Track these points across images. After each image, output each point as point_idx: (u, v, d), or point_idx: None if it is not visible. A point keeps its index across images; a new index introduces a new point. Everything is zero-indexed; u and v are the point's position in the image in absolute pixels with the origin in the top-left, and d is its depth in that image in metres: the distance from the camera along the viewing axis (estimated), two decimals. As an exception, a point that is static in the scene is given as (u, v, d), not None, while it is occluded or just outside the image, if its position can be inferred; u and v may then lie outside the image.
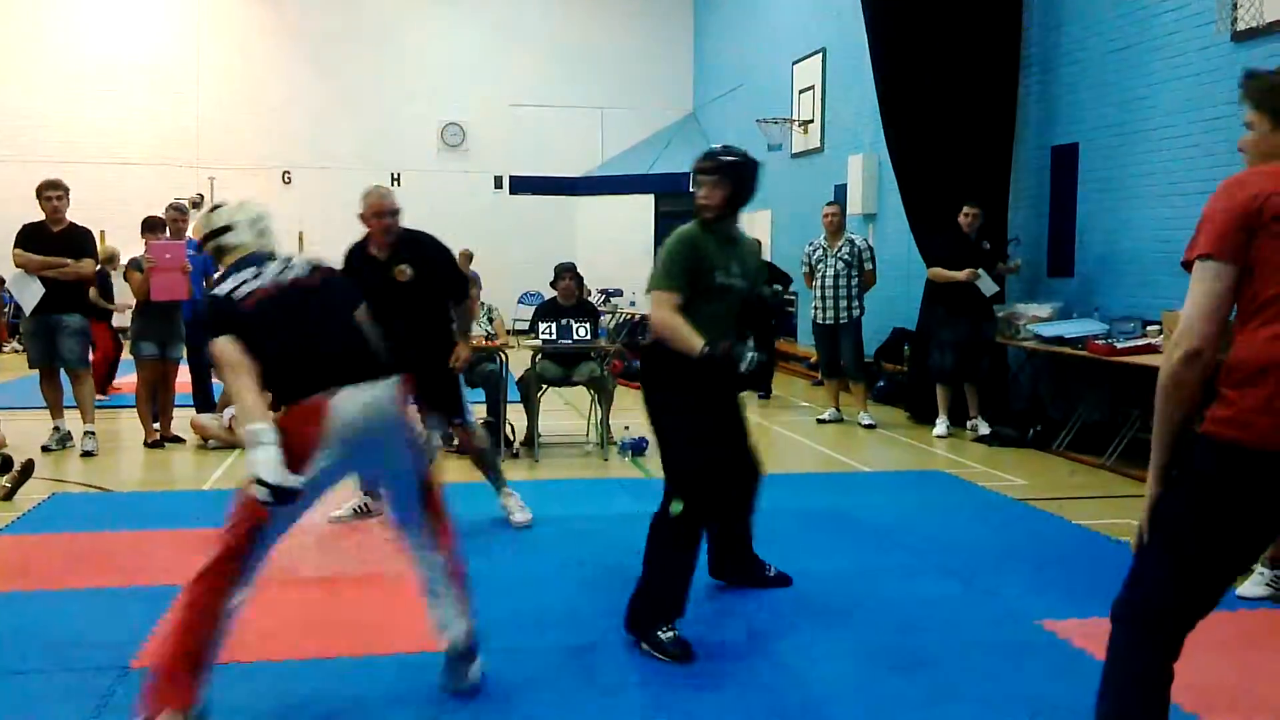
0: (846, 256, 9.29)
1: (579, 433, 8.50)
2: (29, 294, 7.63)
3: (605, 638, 4.10)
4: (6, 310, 15.06)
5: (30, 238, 7.63)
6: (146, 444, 8.01)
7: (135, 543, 5.36)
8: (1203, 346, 2.33)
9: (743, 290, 4.17)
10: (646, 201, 18.62)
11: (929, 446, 8.49)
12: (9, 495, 6.29)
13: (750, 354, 3.87)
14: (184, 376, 8.41)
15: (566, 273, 8.36)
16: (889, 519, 6.03)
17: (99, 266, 8.44)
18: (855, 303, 9.31)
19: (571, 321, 7.85)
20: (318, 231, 17.58)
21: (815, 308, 9.49)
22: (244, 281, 3.43)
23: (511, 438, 7.98)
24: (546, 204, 19.15)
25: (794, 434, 9.12)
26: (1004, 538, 5.66)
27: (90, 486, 6.80)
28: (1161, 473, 2.47)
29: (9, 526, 5.71)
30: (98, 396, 8.76)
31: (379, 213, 5.52)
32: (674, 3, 20.08)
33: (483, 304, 8.40)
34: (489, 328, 8.27)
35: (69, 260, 7.62)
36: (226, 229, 3.65)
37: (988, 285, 8.57)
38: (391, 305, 4.92)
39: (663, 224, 18.87)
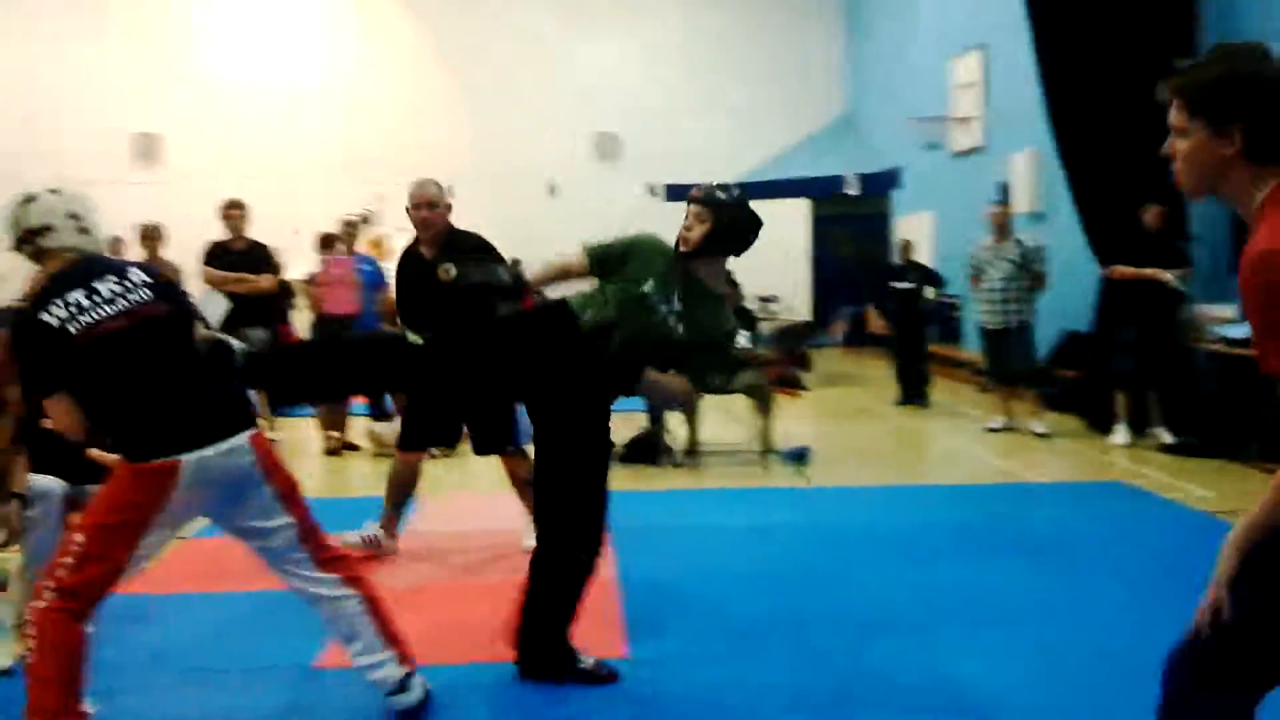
0: (1015, 258, 8.97)
1: (739, 442, 8.45)
2: (215, 309, 8.05)
3: (764, 642, 4.05)
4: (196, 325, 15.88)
5: (214, 254, 8.05)
6: (326, 452, 8.33)
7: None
8: None
9: (669, 331, 3.62)
10: (801, 205, 18.43)
11: (1107, 456, 8.12)
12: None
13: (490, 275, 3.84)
14: (357, 386, 8.72)
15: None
16: (1063, 533, 5.79)
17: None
18: (1025, 306, 8.99)
19: (731, 329, 7.81)
20: (479, 243, 18.06)
21: (983, 311, 9.21)
22: (77, 309, 3.01)
23: (672, 446, 8.00)
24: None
25: (961, 443, 8.87)
26: (1188, 554, 5.31)
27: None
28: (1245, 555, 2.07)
29: (205, 530, 5.99)
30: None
31: (417, 204, 5.23)
32: (824, 3, 19.84)
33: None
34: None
35: (250, 275, 8.00)
36: (45, 229, 3.16)
37: (1178, 284, 8.15)
38: (439, 310, 4.68)
39: (819, 227, 18.67)
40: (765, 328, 14.09)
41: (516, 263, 4.28)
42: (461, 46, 19.17)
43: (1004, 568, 5.14)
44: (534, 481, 3.82)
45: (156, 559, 3.37)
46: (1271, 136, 1.99)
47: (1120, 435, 8.44)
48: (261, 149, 18.49)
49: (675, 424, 8.06)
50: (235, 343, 3.46)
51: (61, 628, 3.03)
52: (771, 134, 19.24)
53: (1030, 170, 11.71)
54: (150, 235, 8.27)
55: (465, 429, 5.53)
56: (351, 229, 8.85)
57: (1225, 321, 7.93)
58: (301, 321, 9.53)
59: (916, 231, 14.56)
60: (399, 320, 5.63)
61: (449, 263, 4.73)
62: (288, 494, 3.29)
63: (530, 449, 4.01)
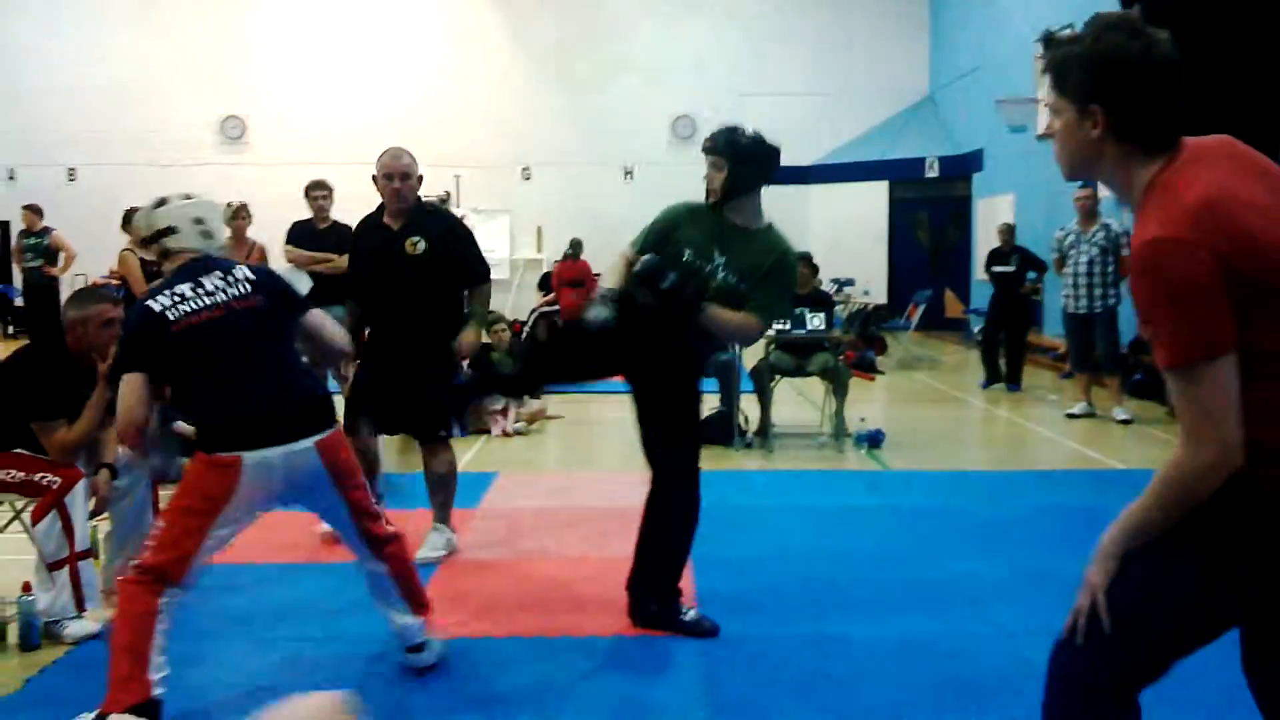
0: (1102, 242, 8.78)
1: (813, 424, 8.41)
2: (299, 287, 8.19)
3: (835, 621, 4.04)
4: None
5: (299, 235, 8.20)
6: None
7: (400, 521, 5.62)
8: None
9: (720, 282, 3.82)
10: (880, 188, 18.23)
11: (1191, 444, 7.92)
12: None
13: (601, 314, 3.80)
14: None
15: (801, 261, 8.28)
16: (1149, 520, 5.66)
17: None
18: (1111, 291, 8.79)
19: (806, 311, 7.77)
20: (554, 225, 18.17)
21: (1066, 296, 9.03)
22: (180, 299, 3.28)
23: (745, 428, 7.98)
24: (778, 193, 18.79)
25: (1042, 429, 8.73)
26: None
27: (352, 467, 7.24)
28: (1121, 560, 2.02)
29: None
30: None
31: (390, 174, 5.02)
32: (909, -17, 19.55)
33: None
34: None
35: (333, 256, 8.14)
36: (170, 230, 3.43)
37: None
38: (399, 280, 4.89)
39: (898, 210, 18.45)
40: (841, 310, 14.00)
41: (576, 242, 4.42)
42: (539, 30, 19.25)
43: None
44: (658, 441, 4.03)
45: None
46: (1135, 118, 1.88)
47: (1206, 423, 8.23)
48: (345, 131, 18.78)
49: (748, 405, 8.04)
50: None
51: (137, 599, 3.21)
52: (852, 116, 19.03)
53: (1117, 152, 11.42)
54: (238, 214, 8.43)
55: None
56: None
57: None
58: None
59: (999, 215, 14.31)
60: (344, 291, 5.55)
61: (418, 236, 4.90)
62: (351, 489, 3.49)
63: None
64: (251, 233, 8.53)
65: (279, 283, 3.56)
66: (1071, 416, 9.03)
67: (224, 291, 3.33)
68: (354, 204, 10.97)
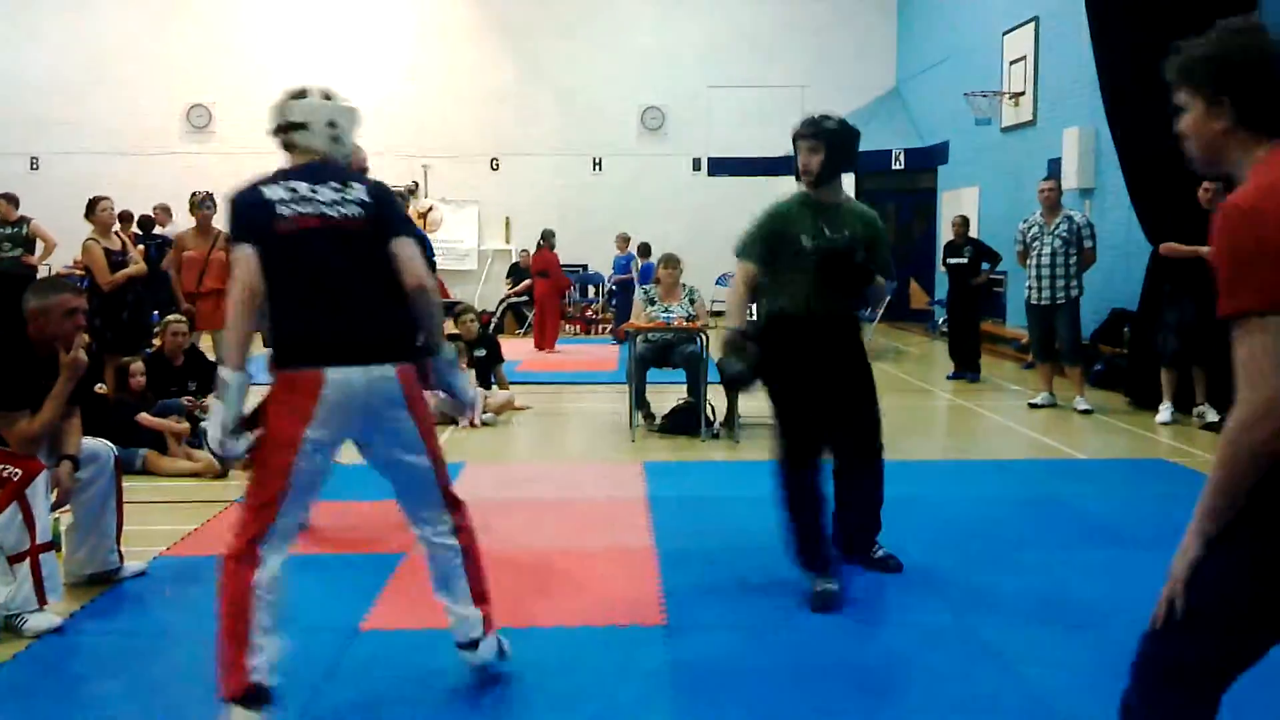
0: (1064, 234, 8.87)
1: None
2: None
3: (805, 620, 4.08)
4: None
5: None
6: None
7: (361, 511, 5.66)
8: None
9: (839, 248, 4.26)
10: (847, 179, 18.26)
11: (1151, 434, 8.05)
12: (248, 466, 6.72)
13: (734, 368, 4.18)
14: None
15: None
16: (1107, 509, 5.76)
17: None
18: (1073, 282, 8.89)
19: (773, 302, 7.81)
20: (523, 216, 18.14)
21: (1029, 287, 9.11)
22: (293, 195, 3.15)
23: (712, 419, 8.02)
24: (746, 185, 19.02)
25: (1004, 419, 8.82)
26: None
27: (318, 459, 7.21)
28: (1206, 540, 2.08)
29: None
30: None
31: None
32: (876, -24, 19.64)
33: (684, 285, 8.47)
34: (691, 309, 8.32)
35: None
36: (301, 126, 3.31)
37: None
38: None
39: (864, 201, 18.45)
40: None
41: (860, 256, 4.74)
42: (508, 21, 19.19)
43: (1045, 542, 5.13)
44: (859, 420, 4.46)
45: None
46: (1259, 107, 2.07)
47: (1165, 413, 8.36)
48: (309, 121, 18.61)
49: (715, 396, 8.08)
50: None
51: (233, 578, 3.11)
52: (819, 108, 18.88)
53: (1080, 146, 11.55)
54: (203, 204, 8.38)
55: None
56: (400, 201, 8.90)
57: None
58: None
59: (963, 207, 14.42)
60: None
61: None
62: (427, 431, 3.32)
63: None
64: (217, 222, 8.48)
65: (388, 209, 3.31)
66: (1034, 406, 9.13)
67: (337, 206, 3.17)
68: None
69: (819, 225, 4.28)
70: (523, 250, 16.87)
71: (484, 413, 8.30)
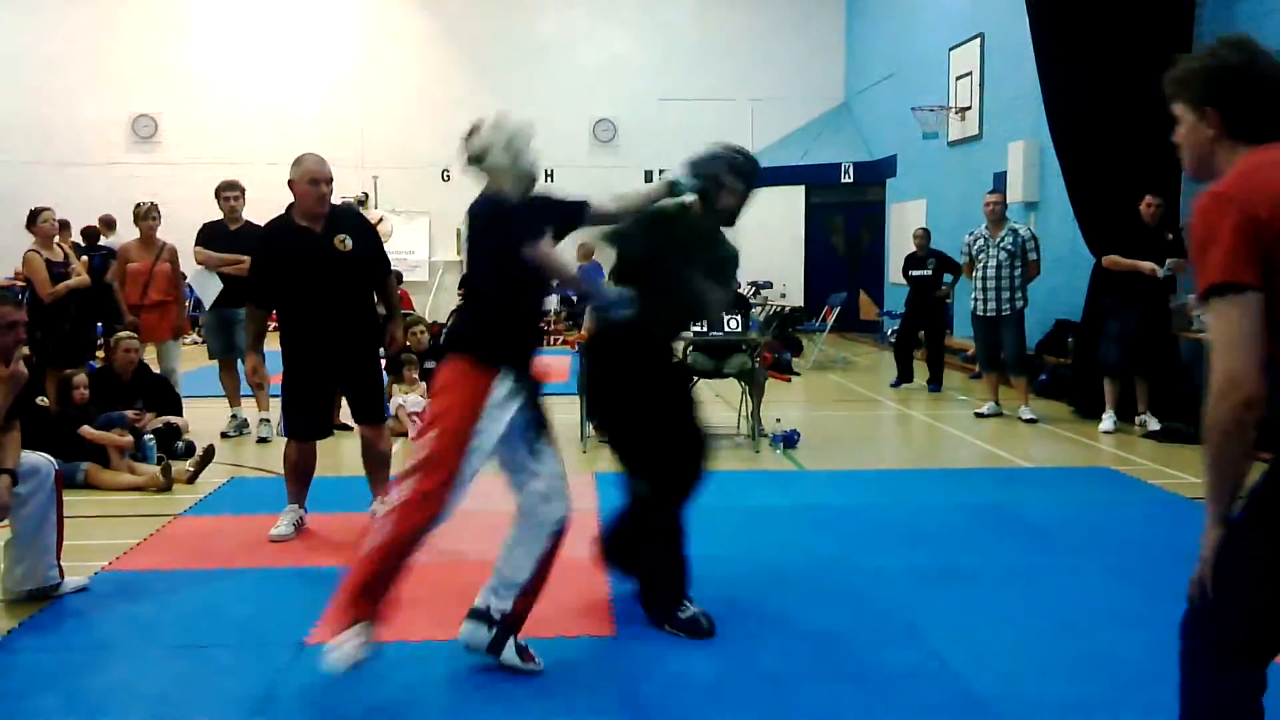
0: (1009, 246, 9.00)
1: (730, 425, 8.49)
2: (209, 289, 8.05)
3: (751, 630, 4.10)
4: (187, 304, 15.94)
5: (210, 236, 8.05)
6: (316, 432, 8.34)
7: (307, 525, 5.60)
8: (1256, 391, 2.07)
9: None
10: (797, 193, 18.44)
11: (1094, 442, 8.17)
12: (192, 479, 6.66)
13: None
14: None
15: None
16: (1052, 516, 5.84)
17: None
18: (1018, 294, 9.02)
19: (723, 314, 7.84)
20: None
21: (975, 299, 9.23)
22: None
23: (663, 429, 8.01)
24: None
25: (951, 428, 8.91)
26: (1175, 538, 5.39)
27: (266, 471, 7.14)
28: (1223, 519, 2.20)
29: (191, 509, 6.05)
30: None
31: (316, 179, 5.14)
32: (825, -9, 19.83)
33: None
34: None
35: (245, 257, 8.00)
36: (482, 156, 3.76)
37: (1168, 272, 8.18)
38: (332, 279, 5.12)
39: (814, 215, 18.68)
40: (758, 313, 14.15)
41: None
42: (460, 32, 19.15)
43: (990, 549, 5.19)
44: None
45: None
46: (1243, 117, 2.22)
47: (1108, 422, 8.49)
48: (260, 131, 18.45)
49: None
50: None
51: (408, 517, 3.41)
52: (768, 122, 19.25)
53: (1025, 160, 11.73)
54: (147, 215, 8.26)
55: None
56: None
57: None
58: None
59: (910, 220, 14.58)
60: (251, 296, 5.55)
61: (344, 234, 5.19)
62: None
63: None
64: (162, 233, 8.37)
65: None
66: (980, 416, 9.24)
67: None
68: (267, 205, 10.80)
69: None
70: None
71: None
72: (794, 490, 6.63)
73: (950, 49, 14.21)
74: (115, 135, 18.53)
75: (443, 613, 4.27)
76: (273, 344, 5.41)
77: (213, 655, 3.86)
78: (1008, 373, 9.38)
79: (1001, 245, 9.03)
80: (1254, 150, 2.19)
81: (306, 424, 5.42)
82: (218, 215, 8.13)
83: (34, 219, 8.20)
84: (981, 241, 9.19)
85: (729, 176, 4.16)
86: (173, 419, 7.63)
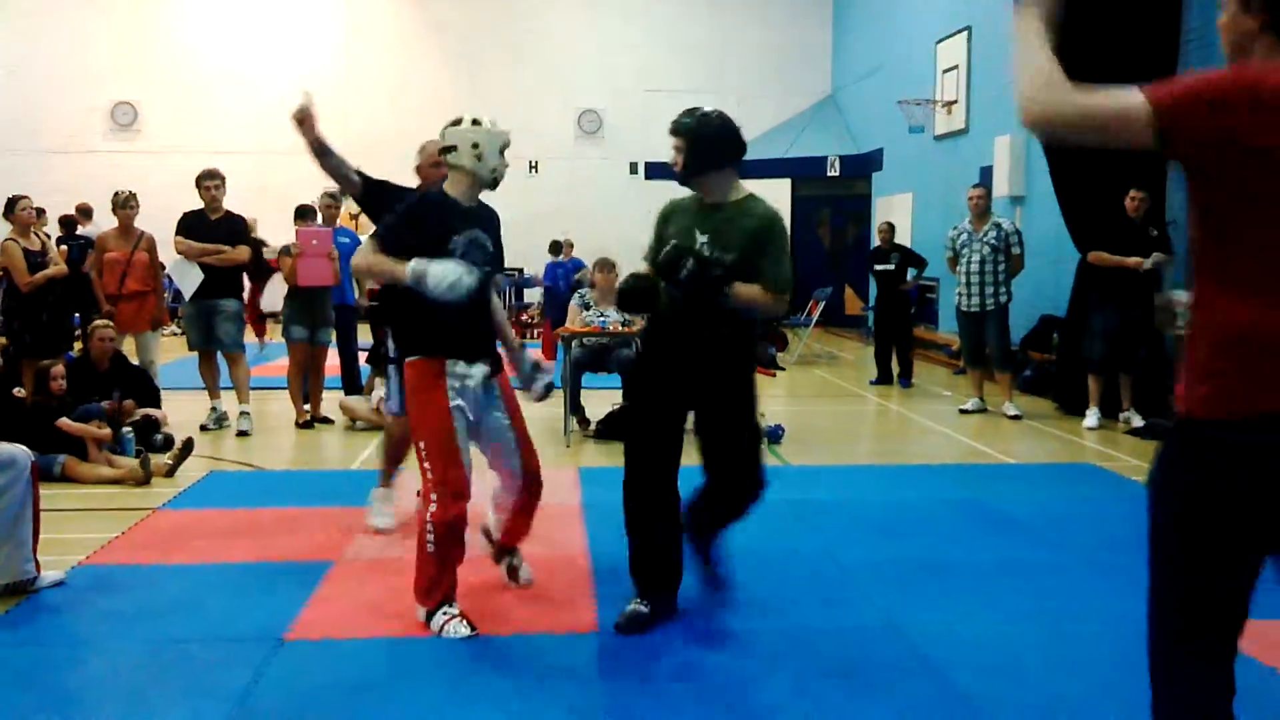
0: (993, 241, 8.99)
1: (714, 419, 8.46)
2: (189, 280, 7.97)
3: (737, 626, 4.08)
4: (166, 294, 15.81)
5: (190, 225, 7.97)
6: (298, 424, 8.30)
7: (287, 519, 5.55)
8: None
9: (674, 256, 3.84)
10: (783, 185, 18.42)
11: (1078, 438, 8.18)
12: (170, 472, 6.60)
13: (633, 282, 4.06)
14: (333, 360, 8.69)
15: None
16: (1035, 512, 5.84)
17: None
18: (1002, 289, 9.01)
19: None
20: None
21: (959, 294, 9.23)
22: None
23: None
24: (683, 190, 19.11)
25: (935, 424, 8.91)
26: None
27: (245, 465, 7.08)
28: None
29: (170, 502, 5.99)
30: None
31: (438, 163, 5.03)
32: (812, -16, 19.81)
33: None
34: (627, 314, 8.28)
35: (226, 247, 7.93)
36: (449, 149, 4.04)
37: (1154, 266, 8.19)
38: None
39: (800, 208, 18.67)
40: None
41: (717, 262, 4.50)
42: (445, 21, 19.05)
43: (972, 545, 5.18)
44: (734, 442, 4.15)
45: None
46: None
47: (1092, 418, 8.51)
48: (240, 119, 18.33)
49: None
50: None
51: (449, 509, 3.90)
52: (755, 114, 19.13)
53: (1011, 154, 11.73)
54: (126, 204, 8.17)
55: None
56: (333, 202, 8.77)
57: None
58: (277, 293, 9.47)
59: (896, 213, 14.58)
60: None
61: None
62: (514, 410, 4.25)
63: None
64: (141, 223, 8.28)
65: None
66: (964, 412, 9.24)
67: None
68: (248, 195, 10.76)
69: (693, 226, 3.98)
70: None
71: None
72: (777, 485, 6.52)
73: (937, 42, 14.20)
74: (94, 122, 18.38)
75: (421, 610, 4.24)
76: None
77: (191, 650, 3.81)
78: (991, 368, 9.38)
79: (985, 240, 9.02)
80: None
81: None
82: (198, 204, 8.04)
83: (11, 207, 8.11)
84: (965, 236, 9.17)
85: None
86: (151, 411, 7.56)
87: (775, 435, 7.86)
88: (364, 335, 8.48)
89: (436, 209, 4.07)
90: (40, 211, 12.73)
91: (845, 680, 3.60)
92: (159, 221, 8.70)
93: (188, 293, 8.04)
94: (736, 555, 4.96)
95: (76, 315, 9.43)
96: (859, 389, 11.04)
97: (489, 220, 4.19)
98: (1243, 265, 2.01)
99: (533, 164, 18.76)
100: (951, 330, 11.16)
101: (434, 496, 3.88)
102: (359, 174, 5.22)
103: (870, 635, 4.01)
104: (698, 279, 3.79)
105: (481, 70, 18.93)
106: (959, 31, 13.52)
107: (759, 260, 3.88)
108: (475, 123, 4.06)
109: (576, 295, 8.74)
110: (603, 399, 8.43)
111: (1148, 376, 8.53)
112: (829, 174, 17.74)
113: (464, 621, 3.91)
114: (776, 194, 18.30)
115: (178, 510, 5.83)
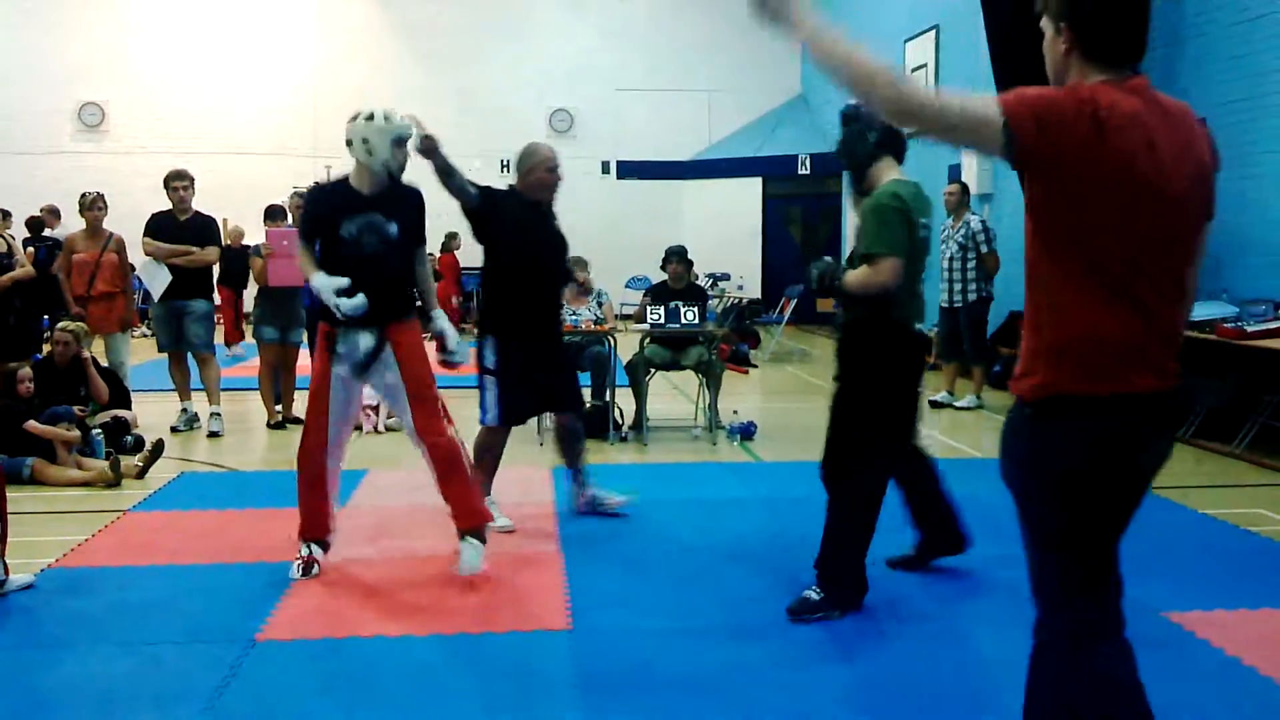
0: (961, 239, 9.10)
1: (687, 417, 8.50)
2: (157, 281, 7.92)
3: (709, 623, 4.11)
4: (136, 296, 15.68)
5: (158, 226, 7.92)
6: (269, 425, 8.27)
7: (259, 520, 5.54)
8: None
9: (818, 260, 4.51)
10: (754, 184, 18.49)
11: (1046, 432, 8.25)
12: (141, 474, 6.56)
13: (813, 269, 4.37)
14: (304, 360, 8.65)
15: (676, 256, 8.38)
16: (1001, 506, 5.84)
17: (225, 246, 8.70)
18: (971, 285, 9.12)
19: (680, 305, 7.84)
20: (430, 217, 17.93)
21: (941, 288, 9.35)
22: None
23: (620, 421, 8.02)
24: (654, 188, 19.17)
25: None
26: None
27: (216, 466, 7.05)
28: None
29: (140, 504, 5.96)
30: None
31: (552, 167, 5.59)
32: (782, -17, 19.87)
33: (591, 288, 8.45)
34: (598, 312, 8.32)
35: (195, 248, 7.90)
36: (348, 142, 4.49)
37: None
38: (555, 261, 5.40)
39: (771, 206, 18.74)
40: (716, 305, 14.17)
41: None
42: (415, 20, 19.01)
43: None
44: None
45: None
46: (1091, 36, 2.22)
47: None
48: (210, 120, 18.22)
49: (623, 399, 8.09)
50: None
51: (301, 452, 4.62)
52: (726, 113, 19.29)
53: (978, 152, 11.81)
54: (93, 205, 8.11)
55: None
56: (303, 201, 8.73)
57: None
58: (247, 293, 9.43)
59: (866, 211, 14.63)
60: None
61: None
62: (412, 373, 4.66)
63: None
64: (110, 224, 8.22)
65: None
66: (934, 405, 9.32)
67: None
68: (217, 196, 10.70)
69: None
70: (429, 254, 16.70)
71: (389, 418, 8.19)
72: (751, 482, 6.66)
73: (905, 41, 14.29)
74: (61, 123, 18.21)
75: (394, 608, 4.25)
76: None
77: (162, 652, 3.80)
78: (964, 363, 9.48)
79: (954, 238, 9.13)
80: (1110, 83, 2.17)
81: (519, 408, 5.41)
82: (166, 205, 8.00)
83: (-24, 207, 8.02)
84: (947, 231, 9.30)
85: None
86: (121, 413, 7.51)
87: (748, 432, 7.91)
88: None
89: (329, 198, 4.61)
90: (6, 214, 12.64)
91: (817, 674, 3.63)
92: (127, 222, 8.64)
93: (157, 293, 7.99)
94: (712, 552, 5.00)
95: (45, 317, 9.35)
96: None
97: (399, 203, 4.57)
98: (1081, 273, 2.19)
99: (504, 162, 18.70)
100: (931, 326, 11.22)
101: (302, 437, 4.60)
102: (475, 186, 5.42)
103: (843, 632, 4.04)
104: (820, 280, 4.29)
105: (453, 69, 18.89)
106: (927, 30, 13.62)
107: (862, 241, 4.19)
108: (369, 118, 4.41)
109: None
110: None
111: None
112: (800, 172, 17.82)
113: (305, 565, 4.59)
114: (749, 192, 18.41)
115: (148, 512, 5.81)
